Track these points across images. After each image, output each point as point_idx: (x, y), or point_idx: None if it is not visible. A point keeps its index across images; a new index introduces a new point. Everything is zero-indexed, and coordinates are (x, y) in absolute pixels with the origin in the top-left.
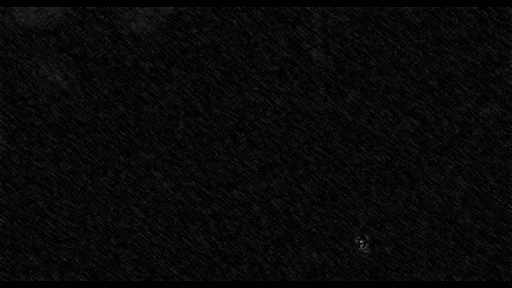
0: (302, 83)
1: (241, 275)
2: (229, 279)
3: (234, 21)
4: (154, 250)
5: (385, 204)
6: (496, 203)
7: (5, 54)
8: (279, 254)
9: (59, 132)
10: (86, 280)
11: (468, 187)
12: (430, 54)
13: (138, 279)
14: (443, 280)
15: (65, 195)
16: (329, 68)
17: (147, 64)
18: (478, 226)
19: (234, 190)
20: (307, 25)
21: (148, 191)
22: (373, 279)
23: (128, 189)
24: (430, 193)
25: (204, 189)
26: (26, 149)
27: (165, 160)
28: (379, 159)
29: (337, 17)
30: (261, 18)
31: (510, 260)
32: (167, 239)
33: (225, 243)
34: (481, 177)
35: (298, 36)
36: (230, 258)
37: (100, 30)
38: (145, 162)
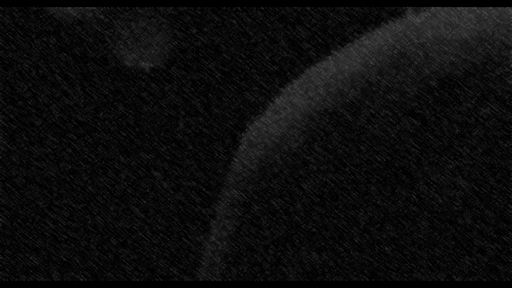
0: (302, 83)
1: (241, 275)
2: (229, 279)
3: (234, 21)
4: (154, 250)
5: (385, 204)
6: (496, 203)
7: (5, 54)
8: (279, 254)
9: (59, 132)
10: (86, 280)
11: (468, 187)
12: (430, 54)
13: (138, 279)
14: (443, 280)
15: (65, 195)
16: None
17: (147, 64)
18: (478, 226)
19: (234, 190)
20: (307, 25)
21: (148, 191)
22: (373, 279)
23: (128, 189)
24: (430, 193)
25: (204, 189)
26: (26, 149)
27: (165, 160)
28: (379, 159)
29: (337, 17)
30: (261, 18)
31: (510, 260)
32: (167, 239)
33: (225, 243)
34: (481, 177)
35: (298, 36)
36: (230, 258)
37: (100, 30)
38: (145, 162)
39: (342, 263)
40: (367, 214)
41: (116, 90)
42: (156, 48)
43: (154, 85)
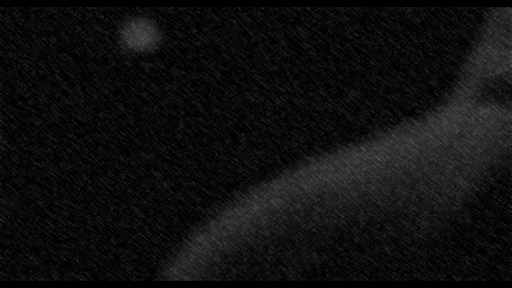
0: (302, 83)
1: (241, 275)
2: (229, 279)
3: (234, 21)
4: (154, 250)
5: (385, 204)
6: (496, 203)
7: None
8: (279, 254)
9: (59, 132)
10: (86, 280)
11: (468, 187)
12: (430, 54)
13: (138, 279)
14: (443, 280)
15: (65, 195)
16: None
17: (147, 64)
18: (478, 226)
19: (234, 190)
20: (307, 25)
21: (148, 191)
22: (373, 279)
23: (128, 189)
24: (430, 193)
25: (204, 189)
26: (26, 149)
27: (165, 160)
28: (379, 159)
29: (337, 17)
30: (261, 18)
31: (510, 260)
32: (167, 239)
33: (225, 243)
34: (481, 177)
35: (298, 36)
36: (230, 258)
37: (100, 30)
38: (145, 162)
39: (342, 263)
40: (367, 214)
41: (116, 90)
42: (153, 46)
43: (154, 85)
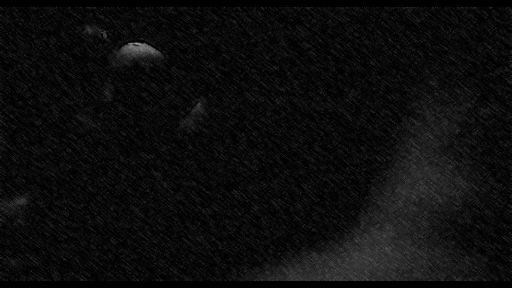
0: (302, 83)
1: (241, 275)
2: (229, 279)
3: (234, 21)
4: (154, 250)
5: (385, 204)
6: (496, 203)
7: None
8: (279, 254)
9: (59, 132)
10: (86, 280)
11: (468, 187)
12: (430, 54)
13: (138, 279)
14: (443, 280)
15: (65, 195)
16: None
17: (147, 64)
18: (478, 226)
19: (234, 190)
20: (307, 25)
21: (148, 191)
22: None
23: (128, 189)
24: (430, 193)
25: (204, 189)
26: (26, 149)
27: (165, 160)
28: (379, 159)
29: (337, 17)
30: (261, 18)
31: (510, 260)
32: (167, 239)
33: (225, 243)
34: (481, 177)
35: (298, 36)
36: (230, 258)
37: (100, 30)
38: (145, 162)
39: (342, 263)
40: (367, 214)
41: (116, 90)
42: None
43: (154, 85)
